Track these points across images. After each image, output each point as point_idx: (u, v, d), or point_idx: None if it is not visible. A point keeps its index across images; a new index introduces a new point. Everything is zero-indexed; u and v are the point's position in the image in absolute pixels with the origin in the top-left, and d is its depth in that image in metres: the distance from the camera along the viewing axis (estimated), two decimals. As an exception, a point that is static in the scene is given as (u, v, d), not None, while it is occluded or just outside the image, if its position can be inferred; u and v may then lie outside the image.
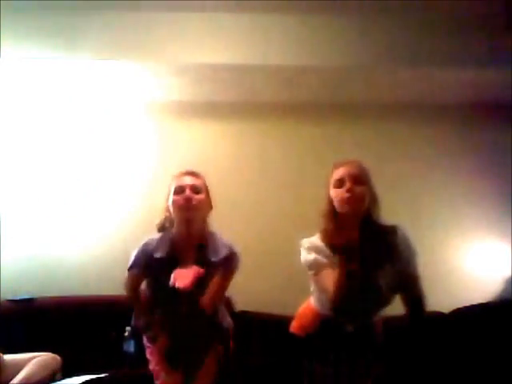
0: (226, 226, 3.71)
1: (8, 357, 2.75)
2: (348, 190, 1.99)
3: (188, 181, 2.23)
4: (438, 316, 3.41)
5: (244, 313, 3.44)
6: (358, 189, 2.00)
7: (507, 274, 3.67)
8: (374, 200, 2.06)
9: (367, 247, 2.00)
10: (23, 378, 2.65)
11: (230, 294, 3.52)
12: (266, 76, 3.46)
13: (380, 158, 3.74)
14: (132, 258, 2.21)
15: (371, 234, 2.03)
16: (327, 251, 2.03)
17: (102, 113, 3.83)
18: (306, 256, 2.09)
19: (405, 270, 2.01)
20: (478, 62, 3.31)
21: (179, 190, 2.19)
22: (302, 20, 3.32)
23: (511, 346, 3.15)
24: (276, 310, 3.44)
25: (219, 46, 3.30)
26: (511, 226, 3.66)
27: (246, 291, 3.52)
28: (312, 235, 2.20)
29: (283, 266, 3.60)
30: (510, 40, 3.24)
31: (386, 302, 2.03)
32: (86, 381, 2.69)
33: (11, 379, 2.65)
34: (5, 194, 3.66)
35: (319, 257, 2.04)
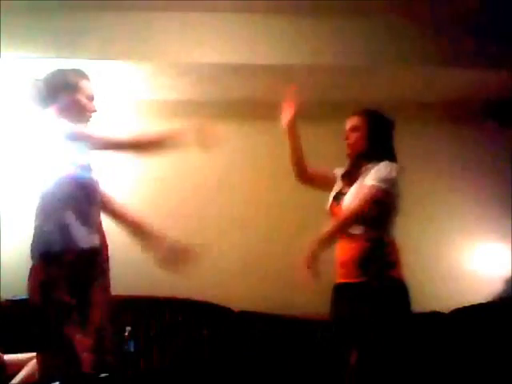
0: (225, 225, 3.73)
1: (8, 357, 2.75)
2: (346, 138, 2.39)
3: None
4: (438, 316, 3.41)
5: (244, 313, 3.44)
6: (352, 135, 2.35)
7: (507, 274, 3.67)
8: (370, 142, 2.33)
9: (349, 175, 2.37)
10: (23, 378, 2.65)
11: (230, 294, 3.55)
12: (266, 76, 3.46)
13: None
14: None
15: (359, 167, 2.34)
16: None
17: (101, 113, 3.82)
18: None
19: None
20: (478, 61, 3.31)
21: None
22: (302, 20, 3.33)
23: (511, 345, 3.15)
24: (276, 309, 3.44)
25: (219, 45, 3.30)
26: (511, 226, 3.66)
27: (245, 291, 3.53)
28: (312, 235, 2.28)
29: (283, 266, 3.60)
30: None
31: None
32: (86, 381, 2.69)
33: (11, 379, 2.65)
34: (5, 194, 3.66)
35: None
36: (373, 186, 2.20)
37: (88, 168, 2.06)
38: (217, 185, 3.74)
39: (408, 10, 3.25)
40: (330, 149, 3.69)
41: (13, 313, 3.26)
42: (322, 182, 2.52)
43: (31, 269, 1.94)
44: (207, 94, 3.74)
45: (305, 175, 2.53)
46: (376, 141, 2.34)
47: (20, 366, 2.70)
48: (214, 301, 3.44)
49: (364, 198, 2.19)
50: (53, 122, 1.94)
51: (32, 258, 1.95)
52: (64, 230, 1.90)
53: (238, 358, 3.28)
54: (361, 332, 2.12)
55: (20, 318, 3.24)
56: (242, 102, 3.80)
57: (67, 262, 1.87)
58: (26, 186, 3.69)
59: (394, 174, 2.25)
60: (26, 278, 1.95)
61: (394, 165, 2.30)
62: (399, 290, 2.21)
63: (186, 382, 3.06)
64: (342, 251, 2.28)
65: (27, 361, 2.73)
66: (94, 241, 1.99)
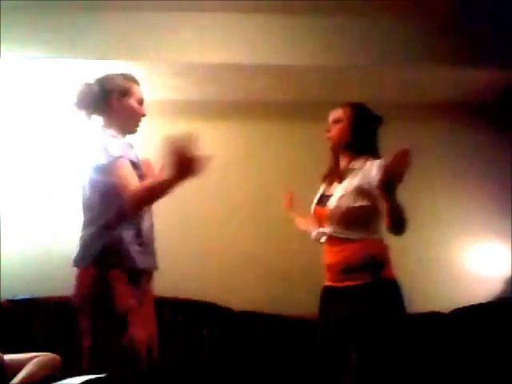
0: (225, 225, 3.73)
1: (8, 357, 2.75)
2: (327, 130, 2.34)
3: None
4: (438, 316, 3.41)
5: (244, 313, 3.44)
6: (335, 127, 2.31)
7: (507, 274, 3.67)
8: (352, 134, 2.28)
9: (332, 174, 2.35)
10: (23, 378, 2.65)
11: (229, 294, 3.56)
12: (266, 76, 3.46)
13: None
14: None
15: (342, 165, 2.31)
16: None
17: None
18: None
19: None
20: (479, 61, 3.31)
21: None
22: (302, 20, 3.33)
23: (511, 345, 3.15)
24: (276, 309, 3.44)
25: (219, 46, 3.30)
26: (511, 226, 3.66)
27: (246, 291, 3.53)
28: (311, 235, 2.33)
29: (283, 267, 3.61)
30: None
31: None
32: (86, 381, 2.69)
33: (11, 379, 2.65)
34: (5, 194, 3.66)
35: None
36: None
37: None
38: (217, 184, 3.74)
39: (408, 11, 3.25)
40: (328, 149, 3.70)
41: (13, 313, 3.26)
42: None
43: (81, 274, 1.99)
44: (207, 94, 3.74)
45: None
46: (359, 133, 2.27)
47: (20, 365, 2.71)
48: (215, 301, 3.44)
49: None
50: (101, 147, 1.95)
51: (81, 262, 2.00)
52: (124, 247, 1.93)
53: (237, 358, 3.28)
54: (359, 332, 2.11)
55: (20, 318, 3.26)
56: (242, 102, 3.81)
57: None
58: (26, 187, 3.71)
59: None
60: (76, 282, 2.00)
61: (382, 162, 2.22)
62: (391, 289, 2.19)
63: (186, 382, 3.06)
64: (331, 254, 2.25)
65: (27, 361, 2.73)
66: (153, 263, 2.06)
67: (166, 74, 3.43)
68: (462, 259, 3.71)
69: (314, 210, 2.36)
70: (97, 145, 1.98)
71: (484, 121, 3.80)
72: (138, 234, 1.99)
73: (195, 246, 3.65)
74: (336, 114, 2.34)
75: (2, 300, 3.26)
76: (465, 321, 3.38)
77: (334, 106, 3.75)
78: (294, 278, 3.57)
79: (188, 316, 3.40)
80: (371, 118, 2.36)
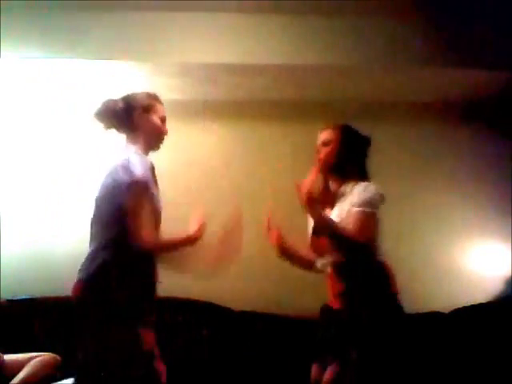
0: (223, 225, 3.72)
1: (8, 357, 2.75)
2: (316, 152, 2.35)
3: None
4: (438, 316, 3.41)
5: (244, 313, 3.44)
6: (324, 149, 2.31)
7: (507, 274, 3.67)
8: (341, 157, 2.28)
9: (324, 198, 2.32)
10: (23, 378, 2.65)
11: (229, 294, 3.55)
12: (266, 76, 3.46)
13: (379, 157, 3.74)
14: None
15: (333, 188, 2.32)
16: None
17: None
18: None
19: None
20: (479, 61, 3.31)
21: None
22: (302, 20, 3.32)
23: (511, 346, 3.15)
24: (275, 310, 3.44)
25: (219, 46, 3.30)
26: (511, 226, 3.66)
27: (246, 291, 3.53)
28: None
29: (283, 267, 3.60)
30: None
31: None
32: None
33: (11, 379, 2.65)
34: (5, 194, 3.66)
35: None
36: (360, 212, 2.14)
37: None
38: (216, 184, 3.74)
39: (408, 11, 3.25)
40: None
41: (13, 313, 3.26)
42: None
43: (83, 286, 1.97)
44: (207, 94, 3.74)
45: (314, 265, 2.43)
46: (347, 156, 2.27)
47: (20, 365, 2.71)
48: (214, 301, 3.44)
49: (358, 227, 2.12)
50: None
51: (85, 274, 1.97)
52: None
53: (237, 358, 3.28)
54: (359, 333, 2.12)
55: (20, 318, 3.26)
56: (241, 102, 3.81)
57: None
58: (26, 187, 3.71)
59: (376, 195, 2.20)
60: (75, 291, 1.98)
61: (372, 185, 2.23)
62: (397, 307, 2.21)
63: (185, 382, 3.06)
64: (335, 284, 2.25)
65: (27, 361, 2.73)
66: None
67: (166, 74, 3.43)
68: (462, 259, 3.71)
69: (312, 240, 2.36)
70: (119, 160, 1.98)
71: (484, 121, 3.80)
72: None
73: (195, 246, 3.64)
74: (325, 135, 2.34)
75: (1, 300, 3.26)
76: (465, 321, 3.38)
77: (333, 105, 3.77)
78: (293, 278, 3.57)
79: (188, 316, 3.40)
80: (359, 140, 2.36)
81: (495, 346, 3.22)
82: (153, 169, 2.07)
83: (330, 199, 2.30)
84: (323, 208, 2.29)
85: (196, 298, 3.43)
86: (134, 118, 2.11)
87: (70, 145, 3.78)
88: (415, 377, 3.03)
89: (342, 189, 2.27)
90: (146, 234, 1.89)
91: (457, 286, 3.62)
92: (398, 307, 2.22)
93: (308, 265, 2.43)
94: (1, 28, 3.08)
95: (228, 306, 3.45)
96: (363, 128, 3.84)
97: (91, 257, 1.97)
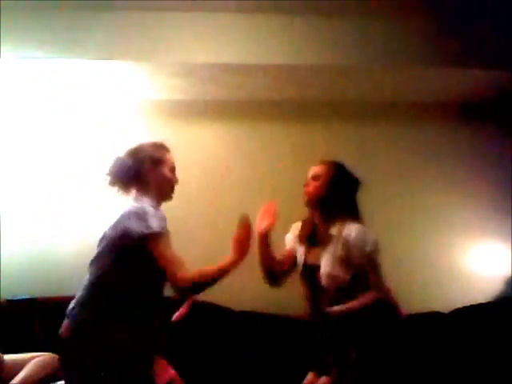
0: (225, 225, 3.73)
1: (8, 357, 2.75)
2: (305, 185, 2.33)
3: None
4: (438, 316, 3.41)
5: (244, 313, 3.44)
6: (312, 183, 2.30)
7: (507, 274, 3.67)
8: (329, 192, 2.27)
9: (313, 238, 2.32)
10: (23, 378, 2.65)
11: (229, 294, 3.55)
12: (266, 76, 3.46)
13: (379, 157, 3.75)
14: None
15: (322, 226, 2.29)
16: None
17: (101, 113, 3.83)
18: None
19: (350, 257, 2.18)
20: (479, 61, 3.31)
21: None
22: (302, 20, 3.32)
23: (511, 346, 3.15)
24: (275, 310, 3.44)
25: (219, 45, 3.30)
26: (511, 226, 3.66)
27: (245, 291, 3.53)
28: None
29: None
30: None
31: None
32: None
33: (11, 379, 2.65)
34: (5, 194, 3.66)
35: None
36: (374, 268, 2.16)
37: None
38: (216, 185, 3.74)
39: (408, 11, 3.25)
40: (328, 149, 3.71)
41: (13, 313, 3.26)
42: (293, 267, 2.45)
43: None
44: (207, 94, 3.74)
45: (278, 280, 2.46)
46: (335, 193, 2.26)
47: (20, 365, 2.71)
48: (214, 301, 3.43)
49: (378, 285, 2.15)
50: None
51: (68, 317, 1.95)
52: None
53: (237, 358, 3.28)
54: (359, 332, 2.12)
55: (20, 318, 3.26)
56: (242, 102, 3.81)
57: None
58: (26, 187, 3.71)
59: (371, 243, 2.18)
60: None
61: (364, 229, 2.20)
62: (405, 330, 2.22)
63: (185, 382, 3.06)
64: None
65: (27, 361, 2.73)
66: None
67: (166, 74, 3.43)
68: (462, 259, 3.71)
69: (304, 284, 2.37)
70: (132, 208, 1.97)
71: (484, 121, 3.80)
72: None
73: (195, 246, 3.64)
74: (316, 170, 2.35)
75: (1, 300, 3.26)
76: (465, 321, 3.38)
77: (333, 105, 3.76)
78: (293, 278, 3.56)
79: (188, 316, 3.39)
80: (350, 179, 2.34)
81: (495, 345, 3.22)
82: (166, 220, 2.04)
83: (320, 237, 2.29)
84: (312, 246, 2.30)
85: (196, 298, 3.43)
86: (143, 172, 2.09)
87: (70, 145, 3.78)
88: (415, 377, 3.03)
89: (332, 229, 2.24)
90: (185, 272, 1.94)
91: (457, 286, 3.62)
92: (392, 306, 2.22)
93: (268, 270, 2.40)
94: (1, 28, 3.08)
95: (228, 306, 3.45)
96: (363, 128, 3.87)
97: (81, 301, 1.96)
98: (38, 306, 3.30)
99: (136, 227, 1.89)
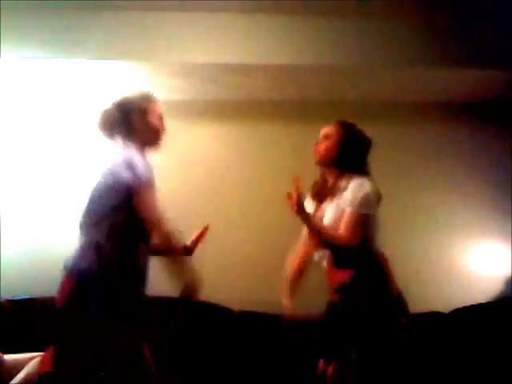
0: (225, 225, 3.73)
1: (8, 357, 2.75)
2: (316, 144, 2.37)
3: None
4: (438, 316, 3.41)
5: (244, 313, 3.44)
6: (323, 143, 2.33)
7: (507, 274, 3.67)
8: (340, 151, 2.30)
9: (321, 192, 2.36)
10: (23, 378, 2.65)
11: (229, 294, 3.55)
12: (266, 76, 3.46)
13: (379, 157, 3.73)
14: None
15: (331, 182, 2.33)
16: None
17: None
18: None
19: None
20: (479, 61, 3.31)
21: None
22: (302, 20, 3.33)
23: (511, 346, 3.15)
24: (275, 310, 3.43)
25: (219, 46, 3.30)
26: (511, 226, 3.66)
27: (245, 291, 3.53)
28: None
29: (282, 267, 3.60)
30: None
31: None
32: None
33: (11, 379, 2.65)
34: (5, 194, 3.66)
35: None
36: (352, 213, 2.16)
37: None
38: (216, 185, 3.74)
39: (408, 12, 3.25)
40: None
41: (13, 313, 3.26)
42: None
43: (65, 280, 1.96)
44: (207, 94, 3.74)
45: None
46: (347, 151, 2.29)
47: (20, 365, 2.71)
48: (215, 301, 3.43)
49: (349, 229, 2.14)
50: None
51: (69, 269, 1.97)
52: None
53: (237, 358, 3.28)
54: (359, 332, 2.12)
55: (20, 318, 3.26)
56: (241, 102, 3.81)
57: None
58: (26, 187, 3.71)
59: (370, 195, 2.19)
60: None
61: (367, 182, 2.22)
62: (396, 305, 2.21)
63: (186, 382, 3.06)
64: (334, 274, 2.27)
65: (27, 361, 2.73)
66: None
67: (166, 74, 3.43)
68: (462, 259, 3.71)
69: (309, 238, 2.38)
70: (120, 159, 1.99)
71: (484, 121, 3.80)
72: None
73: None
74: (326, 130, 2.38)
75: (1, 300, 3.26)
76: (465, 321, 3.38)
77: (334, 106, 3.77)
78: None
79: (188, 316, 3.40)
80: (360, 139, 2.37)
81: (495, 345, 3.22)
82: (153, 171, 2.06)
83: (328, 192, 2.32)
84: (321, 202, 2.33)
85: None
86: (131, 122, 2.11)
87: (70, 145, 3.78)
88: (415, 377, 3.03)
89: (339, 183, 2.27)
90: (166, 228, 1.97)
91: (457, 286, 3.62)
92: (399, 305, 2.22)
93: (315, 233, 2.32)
94: (1, 28, 3.08)
95: (228, 305, 3.45)
96: (363, 128, 3.86)
97: (81, 253, 1.99)
98: (38, 306, 3.30)
99: (125, 176, 1.92)
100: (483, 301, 3.50)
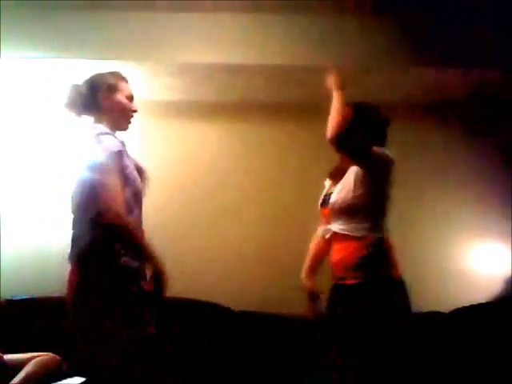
0: (225, 225, 3.73)
1: (8, 357, 2.75)
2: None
3: None
4: (438, 316, 3.41)
5: (244, 313, 3.44)
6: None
7: (507, 274, 3.67)
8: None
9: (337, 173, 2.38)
10: (23, 378, 2.65)
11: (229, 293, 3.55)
12: (266, 76, 3.46)
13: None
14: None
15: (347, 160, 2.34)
16: None
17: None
18: None
19: None
20: (479, 61, 3.31)
21: None
22: (301, 20, 3.33)
23: (511, 346, 3.15)
24: (275, 310, 3.44)
25: (219, 46, 3.30)
26: (511, 226, 3.66)
27: (245, 291, 3.53)
28: (311, 235, 2.40)
29: (283, 266, 3.61)
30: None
31: None
32: (86, 381, 2.69)
33: (11, 379, 2.65)
34: (5, 194, 3.66)
35: None
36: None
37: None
38: (216, 185, 3.74)
39: (408, 11, 3.25)
40: (329, 149, 3.71)
41: (13, 313, 3.26)
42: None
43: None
44: (206, 94, 3.74)
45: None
46: (357, 132, 2.31)
47: (20, 366, 2.71)
48: (215, 301, 3.44)
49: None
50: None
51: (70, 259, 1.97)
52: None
53: (237, 358, 3.28)
54: (361, 332, 2.12)
55: (20, 318, 3.26)
56: (241, 103, 3.81)
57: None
58: (26, 187, 3.71)
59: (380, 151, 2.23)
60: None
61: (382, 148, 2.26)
62: (397, 289, 2.20)
63: (186, 382, 3.06)
64: (334, 253, 2.28)
65: (27, 361, 2.73)
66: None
67: (165, 75, 3.44)
68: (462, 259, 3.71)
69: (321, 212, 2.39)
70: (86, 141, 1.99)
71: (483, 121, 3.80)
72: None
73: (195, 246, 3.65)
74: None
75: (1, 300, 3.27)
76: (465, 321, 3.38)
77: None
78: (293, 278, 3.56)
79: (188, 316, 3.40)
80: (377, 117, 2.40)
81: (495, 346, 3.22)
82: (124, 147, 2.04)
83: (342, 173, 2.34)
84: (336, 182, 2.34)
85: (196, 298, 3.43)
86: (99, 99, 2.08)
87: (70, 145, 3.77)
88: (415, 377, 3.03)
89: (352, 166, 2.29)
90: (116, 207, 1.85)
91: (457, 286, 3.62)
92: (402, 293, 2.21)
93: None
94: (1, 28, 3.08)
95: (228, 306, 3.45)
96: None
97: (76, 239, 2.02)
98: (38, 306, 3.31)
99: (92, 157, 1.94)
100: (483, 301, 3.50)
